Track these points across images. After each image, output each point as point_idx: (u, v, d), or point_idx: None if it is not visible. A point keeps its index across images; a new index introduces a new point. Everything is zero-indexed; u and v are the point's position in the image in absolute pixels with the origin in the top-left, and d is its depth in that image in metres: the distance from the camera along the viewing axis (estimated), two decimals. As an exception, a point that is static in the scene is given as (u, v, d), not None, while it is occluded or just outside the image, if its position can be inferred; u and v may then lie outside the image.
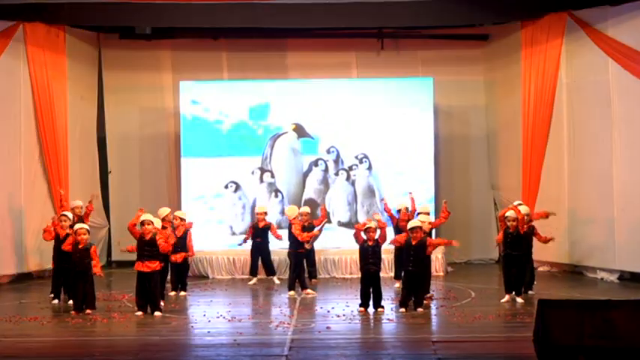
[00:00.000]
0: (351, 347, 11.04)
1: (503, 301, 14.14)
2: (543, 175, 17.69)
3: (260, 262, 17.04)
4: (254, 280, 16.86)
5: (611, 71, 16.43)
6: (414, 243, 13.49)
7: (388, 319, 12.85)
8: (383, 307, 13.45)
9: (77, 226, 13.90)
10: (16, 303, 14.68)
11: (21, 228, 17.22)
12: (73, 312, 13.42)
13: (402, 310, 13.28)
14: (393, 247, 15.89)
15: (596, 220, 16.77)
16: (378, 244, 13.58)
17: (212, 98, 18.70)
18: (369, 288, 13.52)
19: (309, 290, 15.26)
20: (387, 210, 16.50)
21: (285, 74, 19.70)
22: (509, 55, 18.89)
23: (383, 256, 14.10)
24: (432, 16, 17.66)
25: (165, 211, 15.77)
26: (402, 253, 14.30)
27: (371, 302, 13.49)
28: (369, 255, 13.52)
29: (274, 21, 17.65)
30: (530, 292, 14.81)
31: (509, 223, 14.29)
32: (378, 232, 13.60)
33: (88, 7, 17.14)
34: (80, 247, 13.56)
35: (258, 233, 16.84)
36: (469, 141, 20.12)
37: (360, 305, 13.48)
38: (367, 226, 13.60)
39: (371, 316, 13.09)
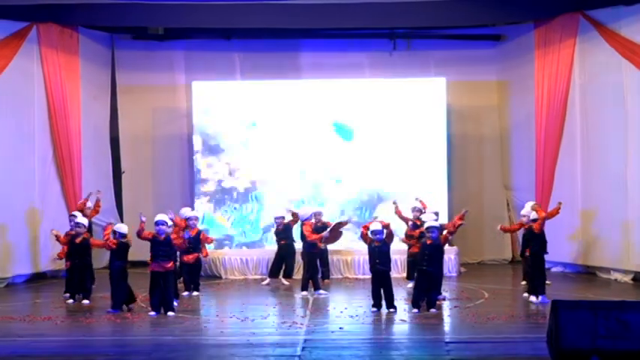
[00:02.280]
0: (364, 348, 11.05)
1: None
2: (557, 175, 17.64)
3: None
4: (267, 280, 16.86)
5: (625, 71, 16.37)
6: (428, 242, 13.45)
7: (401, 320, 12.84)
8: (395, 307, 13.41)
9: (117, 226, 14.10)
10: (31, 303, 14.74)
11: (35, 228, 17.27)
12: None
13: (415, 310, 13.25)
14: (406, 246, 15.89)
15: (610, 220, 16.71)
16: (385, 244, 13.53)
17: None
18: (380, 288, 13.51)
19: (321, 291, 15.25)
20: (397, 213, 16.23)
21: (298, 75, 19.70)
22: (522, 55, 18.85)
23: (395, 256, 14.07)
24: (444, 17, 17.64)
25: (186, 211, 15.83)
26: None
27: (384, 302, 13.48)
28: (376, 255, 13.50)
29: (287, 21, 17.68)
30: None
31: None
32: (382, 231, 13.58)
33: (101, 8, 17.22)
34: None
35: (282, 235, 16.79)
36: (482, 141, 20.10)
37: (373, 306, 13.47)
38: (373, 228, 13.53)
39: (384, 317, 13.08)
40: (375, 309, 13.39)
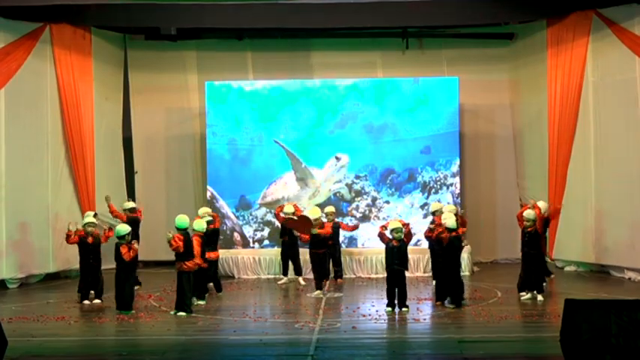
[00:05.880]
0: (377, 347, 11.05)
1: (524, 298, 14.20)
2: (569, 173, 17.57)
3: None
4: (284, 279, 16.88)
5: (638, 69, 16.29)
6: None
7: (414, 319, 12.83)
8: (407, 306, 13.42)
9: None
10: (44, 303, 14.77)
11: (48, 228, 17.32)
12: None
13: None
14: (426, 246, 15.96)
15: (623, 219, 16.64)
16: (404, 243, 13.55)
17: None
18: (395, 288, 13.50)
19: (317, 292, 15.22)
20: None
21: (310, 74, 19.69)
22: (534, 53, 18.79)
23: (416, 255, 14.07)
24: (456, 15, 17.62)
25: (204, 210, 15.83)
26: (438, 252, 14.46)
27: (396, 302, 13.49)
28: (395, 255, 13.50)
29: (299, 21, 17.68)
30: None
31: (526, 224, 14.28)
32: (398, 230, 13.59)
33: (113, 9, 17.27)
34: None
35: (287, 232, 16.80)
36: (495, 140, 20.03)
37: (387, 305, 13.46)
38: (393, 227, 13.54)
39: (397, 316, 13.06)
40: (389, 308, 13.38)
